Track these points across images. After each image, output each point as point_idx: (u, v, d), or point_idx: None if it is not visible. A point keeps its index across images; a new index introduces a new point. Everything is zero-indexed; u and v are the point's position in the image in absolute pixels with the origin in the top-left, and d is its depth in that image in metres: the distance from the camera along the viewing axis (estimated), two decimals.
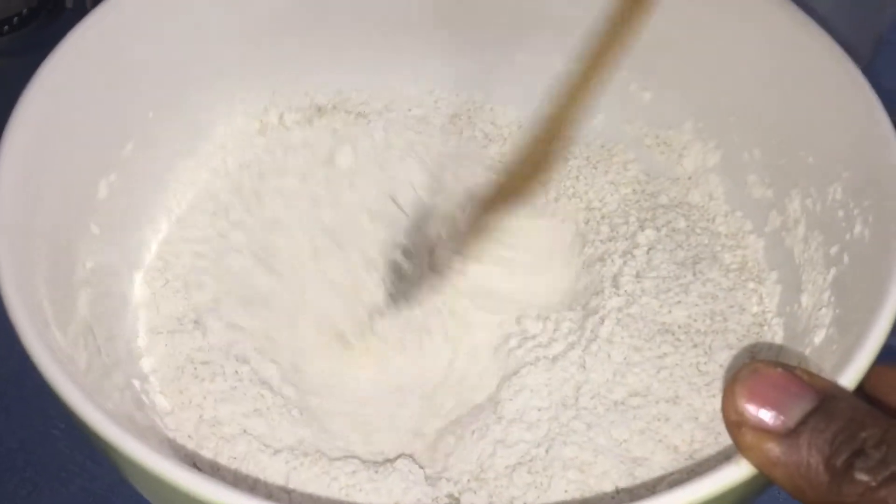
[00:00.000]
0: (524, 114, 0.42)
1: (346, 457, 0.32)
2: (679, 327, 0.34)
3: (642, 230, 0.37)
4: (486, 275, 0.36)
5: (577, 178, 0.40)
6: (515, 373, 0.33)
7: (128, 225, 0.35)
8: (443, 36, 0.40)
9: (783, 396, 0.22)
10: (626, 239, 0.37)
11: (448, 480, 0.31)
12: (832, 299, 0.31)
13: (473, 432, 0.32)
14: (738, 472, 0.22)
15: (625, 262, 0.36)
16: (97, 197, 0.33)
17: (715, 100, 0.38)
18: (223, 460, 0.31)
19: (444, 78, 0.41)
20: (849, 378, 0.24)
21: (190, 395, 0.32)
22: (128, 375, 0.32)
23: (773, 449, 0.21)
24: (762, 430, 0.22)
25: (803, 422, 0.21)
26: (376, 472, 0.31)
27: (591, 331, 0.34)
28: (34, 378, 0.24)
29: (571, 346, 0.34)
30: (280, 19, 0.38)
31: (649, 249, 0.37)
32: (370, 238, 0.38)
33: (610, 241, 0.37)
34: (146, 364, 0.33)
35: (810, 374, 0.22)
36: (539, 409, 0.32)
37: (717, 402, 0.32)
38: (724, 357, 0.34)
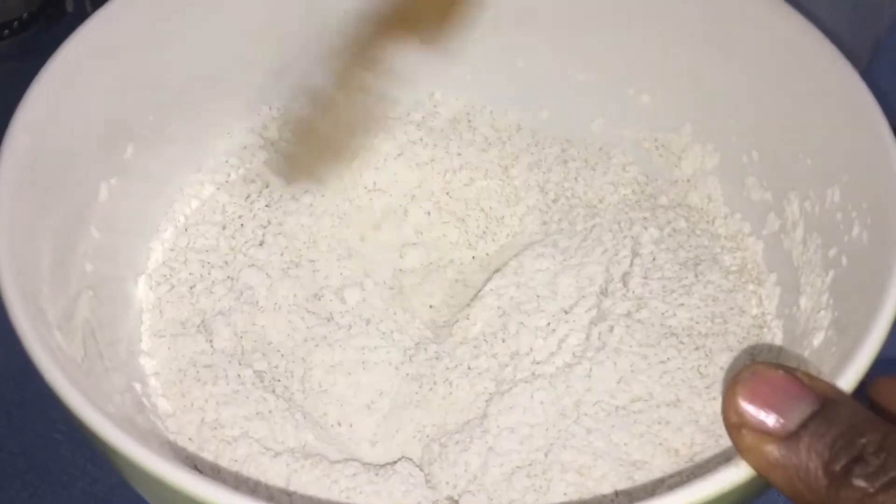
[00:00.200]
0: (524, 117, 0.42)
1: (347, 459, 0.32)
2: (682, 330, 0.34)
3: (645, 229, 0.38)
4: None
5: (575, 179, 0.40)
6: (524, 381, 0.33)
7: (130, 229, 0.35)
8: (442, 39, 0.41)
9: (784, 399, 0.22)
10: (632, 238, 0.37)
11: (448, 483, 0.31)
12: (831, 302, 0.31)
13: (473, 438, 0.32)
14: (737, 474, 0.22)
15: (631, 263, 0.36)
16: (98, 200, 0.33)
17: (713, 103, 0.38)
18: (224, 463, 0.31)
19: (444, 82, 0.41)
20: (847, 380, 0.24)
21: (192, 398, 0.33)
22: (129, 378, 0.32)
23: (773, 451, 0.22)
24: (762, 432, 0.22)
25: (803, 425, 0.21)
26: (377, 474, 0.31)
27: (599, 338, 0.34)
28: (35, 381, 0.24)
29: (578, 360, 0.34)
30: (275, 29, 0.38)
31: (654, 249, 0.37)
32: (378, 254, 0.38)
33: (614, 239, 0.37)
34: (148, 367, 0.33)
35: (811, 376, 0.23)
36: (542, 416, 0.32)
37: (718, 405, 0.32)
38: (725, 359, 0.34)
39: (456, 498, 0.31)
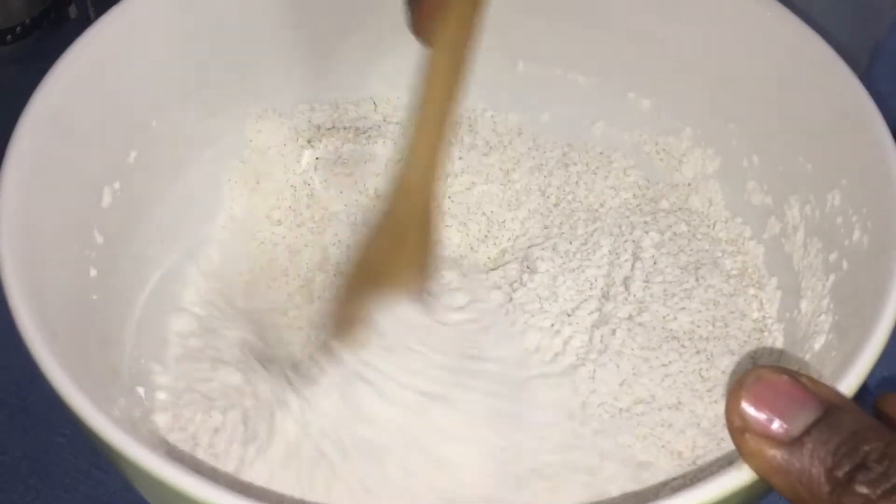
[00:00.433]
0: (525, 121, 0.42)
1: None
2: (684, 333, 0.35)
3: (646, 233, 0.38)
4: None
5: (577, 183, 0.40)
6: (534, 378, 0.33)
7: (134, 235, 0.35)
8: None
9: (788, 404, 0.22)
10: (633, 242, 0.37)
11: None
12: (831, 306, 0.31)
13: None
14: (739, 477, 0.22)
15: (632, 266, 0.37)
16: (101, 205, 0.33)
17: (714, 107, 0.38)
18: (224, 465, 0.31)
19: None
20: (849, 384, 0.24)
21: (195, 402, 0.33)
22: (134, 382, 0.32)
23: (776, 456, 0.22)
24: (765, 436, 0.22)
25: (807, 432, 0.21)
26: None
27: (602, 341, 0.34)
28: (38, 385, 0.24)
29: (582, 361, 0.34)
30: (277, 34, 0.38)
31: (655, 253, 0.37)
32: None
33: (615, 243, 0.38)
34: (151, 370, 0.33)
35: (815, 381, 0.23)
36: (553, 416, 0.32)
37: (719, 408, 0.32)
38: (726, 363, 0.34)
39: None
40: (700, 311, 0.35)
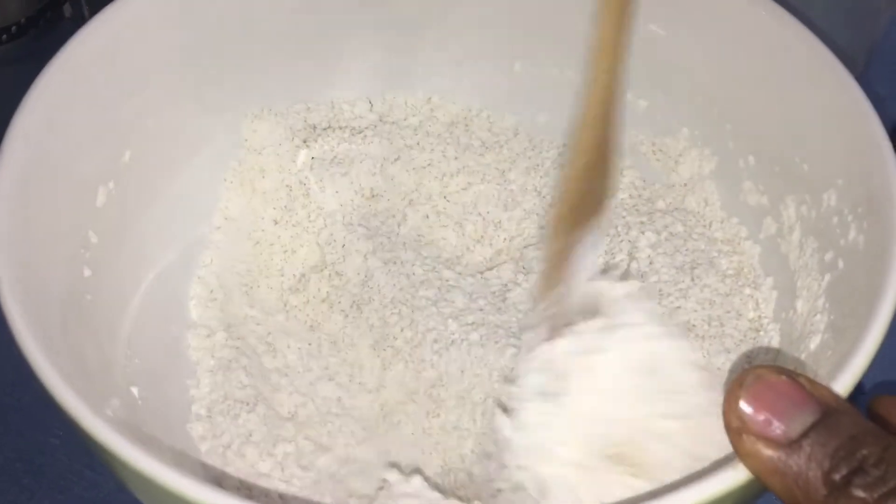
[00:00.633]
0: (522, 121, 0.42)
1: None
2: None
3: (643, 233, 0.38)
4: None
5: None
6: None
7: (129, 235, 0.35)
8: (438, 44, 0.41)
9: (787, 406, 0.22)
10: (629, 242, 0.37)
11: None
12: (827, 305, 0.31)
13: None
14: (735, 477, 0.22)
15: (628, 266, 0.36)
16: (95, 205, 0.33)
17: (710, 107, 0.38)
18: (232, 472, 0.31)
19: (442, 86, 0.42)
20: (844, 384, 0.24)
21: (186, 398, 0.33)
22: (128, 382, 0.32)
23: (773, 458, 0.22)
24: (763, 437, 0.22)
25: (805, 434, 0.21)
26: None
27: None
28: (32, 386, 0.24)
29: None
30: (273, 33, 0.38)
31: (651, 253, 0.37)
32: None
33: (612, 243, 0.38)
34: (144, 369, 0.33)
35: (813, 383, 0.23)
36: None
37: None
38: (722, 362, 0.34)
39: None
40: (696, 311, 0.35)
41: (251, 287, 0.37)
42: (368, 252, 0.38)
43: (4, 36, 0.49)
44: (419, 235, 0.39)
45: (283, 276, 0.38)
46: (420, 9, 0.40)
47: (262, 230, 0.39)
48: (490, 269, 0.38)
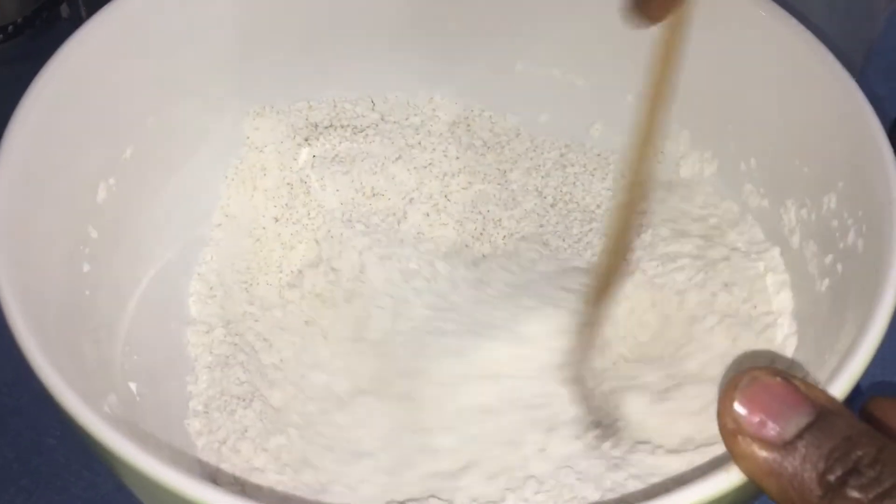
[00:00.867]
0: (523, 121, 0.42)
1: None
2: None
3: (643, 234, 0.38)
4: None
5: (574, 184, 0.40)
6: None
7: (129, 231, 0.35)
8: (441, 44, 0.41)
9: (781, 407, 0.22)
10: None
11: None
12: (825, 308, 0.31)
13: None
14: (729, 479, 0.22)
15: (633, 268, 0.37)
16: (96, 200, 0.33)
17: (711, 110, 0.38)
18: (227, 468, 0.31)
19: (443, 85, 0.42)
20: (840, 387, 0.24)
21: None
22: (126, 378, 0.32)
23: (768, 459, 0.21)
24: (758, 439, 0.22)
25: (800, 435, 0.21)
26: None
27: None
28: (30, 386, 0.24)
29: None
30: (275, 31, 0.38)
31: (652, 254, 0.37)
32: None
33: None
34: (143, 365, 0.33)
35: (808, 385, 0.23)
36: None
37: None
38: None
39: None
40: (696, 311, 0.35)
41: (250, 284, 0.38)
42: (364, 247, 0.38)
43: (1, 36, 0.49)
44: (419, 233, 0.39)
45: (281, 272, 0.38)
46: (421, 8, 0.40)
47: (263, 227, 0.39)
48: (484, 261, 0.38)
